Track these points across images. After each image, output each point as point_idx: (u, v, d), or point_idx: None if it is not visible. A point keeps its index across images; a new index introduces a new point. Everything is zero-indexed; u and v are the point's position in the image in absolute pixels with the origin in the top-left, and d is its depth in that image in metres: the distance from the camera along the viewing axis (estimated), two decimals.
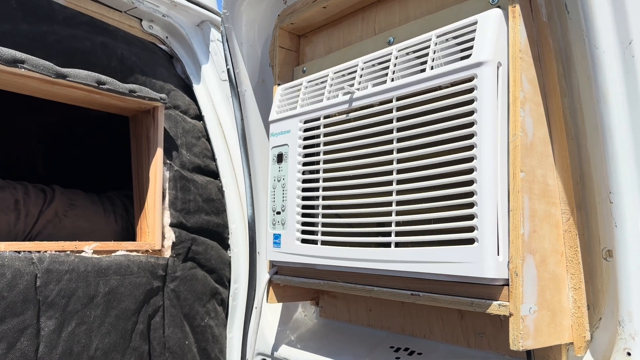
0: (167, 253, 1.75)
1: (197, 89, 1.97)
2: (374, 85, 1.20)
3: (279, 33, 1.53)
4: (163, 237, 1.76)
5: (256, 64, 1.59)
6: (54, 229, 1.70)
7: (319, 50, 1.53)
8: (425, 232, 1.07)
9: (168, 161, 1.79)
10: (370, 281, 1.20)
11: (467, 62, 1.01)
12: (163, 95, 1.74)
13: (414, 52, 1.14)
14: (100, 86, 1.57)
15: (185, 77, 1.98)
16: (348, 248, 1.21)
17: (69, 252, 1.49)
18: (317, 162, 1.32)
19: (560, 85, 1.02)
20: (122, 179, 2.22)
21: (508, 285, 0.96)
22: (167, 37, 1.96)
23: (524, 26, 0.98)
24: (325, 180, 1.30)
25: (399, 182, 1.12)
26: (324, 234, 1.29)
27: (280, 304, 1.64)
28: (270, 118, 1.46)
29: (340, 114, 1.27)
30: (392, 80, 1.16)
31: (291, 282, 1.41)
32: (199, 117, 1.97)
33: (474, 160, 0.98)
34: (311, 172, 1.35)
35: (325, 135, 1.31)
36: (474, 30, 1.02)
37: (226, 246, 1.94)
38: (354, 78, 1.26)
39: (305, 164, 1.36)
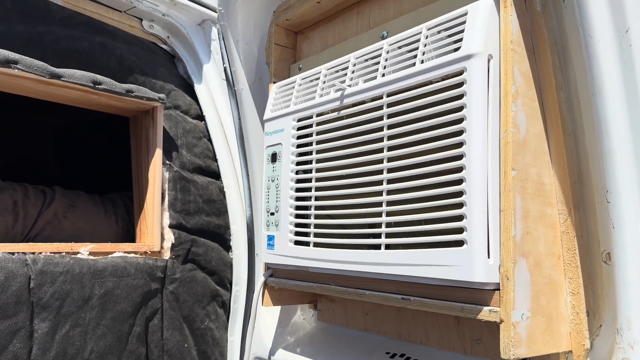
0: (167, 255, 1.73)
1: (199, 89, 1.94)
2: (365, 81, 1.16)
3: (275, 30, 1.49)
4: (162, 239, 1.74)
5: (253, 62, 1.56)
6: (53, 230, 1.69)
7: (315, 46, 1.49)
8: (415, 234, 1.02)
9: (168, 162, 1.77)
10: (362, 284, 1.16)
11: (456, 55, 0.96)
12: (162, 95, 1.72)
13: (405, 45, 1.09)
14: (97, 86, 1.55)
15: (187, 76, 1.96)
16: (340, 250, 1.17)
17: (64, 253, 1.48)
18: (310, 162, 1.29)
19: (556, 78, 0.96)
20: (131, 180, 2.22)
21: (499, 290, 0.91)
22: (168, 37, 1.94)
23: (516, 16, 0.93)
24: (317, 180, 1.26)
25: (390, 181, 1.08)
26: (316, 235, 1.25)
27: (279, 306, 1.60)
28: (265, 117, 1.43)
29: (332, 111, 1.24)
30: (383, 75, 1.12)
31: (285, 285, 1.38)
32: (201, 117, 1.94)
33: (463, 158, 0.94)
34: (304, 171, 1.31)
35: (318, 133, 1.27)
36: (464, 22, 0.97)
37: (228, 248, 1.91)
38: (345, 74, 1.22)
39: (298, 164, 1.32)
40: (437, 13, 1.09)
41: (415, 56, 1.06)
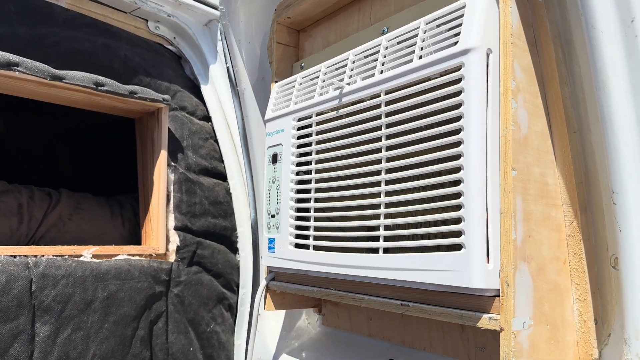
0: (172, 257, 1.71)
1: (205, 90, 1.93)
2: (364, 78, 1.12)
3: (277, 28, 1.46)
4: (167, 241, 1.72)
5: (255, 61, 1.53)
6: (58, 233, 1.69)
7: (317, 44, 1.46)
8: (412, 237, 0.98)
9: (173, 163, 1.76)
10: (362, 289, 1.12)
11: (453, 50, 0.91)
12: (166, 97, 1.70)
13: (403, 41, 1.05)
14: (99, 88, 1.54)
15: (194, 77, 1.95)
16: (339, 254, 1.14)
17: (66, 256, 1.47)
18: (310, 162, 1.25)
19: (559, 72, 0.91)
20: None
21: (499, 296, 0.86)
22: (174, 38, 1.93)
23: (516, 7, 0.88)
24: (317, 181, 1.23)
25: (388, 182, 1.04)
26: (316, 238, 1.22)
27: (283, 310, 1.57)
28: (266, 117, 1.40)
29: (331, 110, 1.20)
30: (381, 72, 1.08)
31: (287, 289, 1.34)
32: (207, 118, 1.92)
33: (461, 158, 0.89)
34: (304, 172, 1.27)
35: (317, 133, 1.23)
36: (462, 15, 0.93)
37: (235, 250, 1.89)
38: (344, 72, 1.18)
39: (298, 164, 1.29)
40: (438, 6, 1.04)
41: (413, 52, 1.02)
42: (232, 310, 1.87)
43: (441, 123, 0.94)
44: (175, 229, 1.73)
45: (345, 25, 1.36)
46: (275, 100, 1.39)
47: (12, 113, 2.31)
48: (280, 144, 1.34)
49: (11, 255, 1.37)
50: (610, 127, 0.80)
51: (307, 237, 1.24)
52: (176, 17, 1.87)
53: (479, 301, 0.88)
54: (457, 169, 0.89)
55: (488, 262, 0.86)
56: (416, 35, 1.02)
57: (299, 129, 1.29)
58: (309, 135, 1.26)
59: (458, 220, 0.89)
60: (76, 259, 1.48)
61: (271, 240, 1.35)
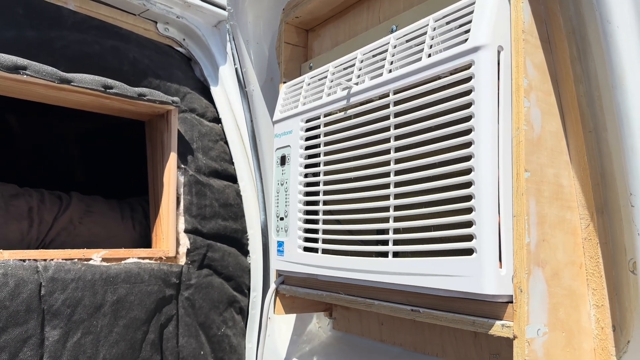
0: (182, 260, 1.70)
1: (215, 91, 1.91)
2: (372, 78, 1.09)
3: (285, 28, 1.44)
4: (178, 244, 1.71)
5: (264, 62, 1.52)
6: (69, 236, 1.69)
7: (326, 44, 1.43)
8: (421, 241, 0.95)
9: (183, 166, 1.75)
10: (371, 294, 1.10)
11: (463, 48, 0.88)
12: (175, 99, 1.69)
13: (412, 39, 1.02)
14: (107, 90, 1.53)
15: (203, 79, 1.93)
16: (348, 257, 1.11)
17: (76, 260, 1.46)
18: (318, 164, 1.23)
19: (574, 70, 0.87)
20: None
21: (512, 302, 0.83)
22: (184, 39, 1.91)
23: (527, 3, 0.85)
24: (325, 183, 1.20)
25: (397, 184, 1.01)
26: (324, 241, 1.19)
27: (294, 314, 1.55)
28: (274, 118, 1.38)
29: (339, 111, 1.17)
30: (390, 71, 1.05)
31: (296, 293, 1.32)
32: (217, 119, 1.91)
33: (472, 159, 0.86)
34: (313, 174, 1.25)
35: (326, 134, 1.21)
36: (472, 12, 0.90)
37: (245, 252, 1.87)
38: (353, 72, 1.16)
39: (306, 166, 1.27)
40: (447, 3, 1.01)
41: (422, 50, 0.99)
42: (243, 313, 1.86)
43: (451, 123, 0.91)
44: (186, 231, 1.72)
45: (354, 24, 1.34)
46: (283, 101, 1.37)
47: (18, 115, 2.32)
48: (289, 146, 1.32)
49: (20, 260, 1.37)
50: (627, 126, 0.76)
51: (316, 241, 1.22)
52: (185, 18, 1.85)
53: (491, 307, 0.85)
54: (468, 171, 0.87)
55: (500, 267, 0.83)
56: (425, 33, 0.99)
57: (307, 130, 1.27)
58: (317, 136, 1.24)
59: (469, 224, 0.86)
60: (85, 262, 1.48)
61: (280, 244, 1.33)
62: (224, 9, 1.87)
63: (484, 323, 0.86)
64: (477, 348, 1.12)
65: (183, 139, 1.76)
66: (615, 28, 0.74)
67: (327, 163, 1.20)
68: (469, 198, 0.86)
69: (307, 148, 1.27)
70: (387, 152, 1.04)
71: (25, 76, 1.38)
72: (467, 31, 0.89)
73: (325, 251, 1.19)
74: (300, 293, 1.30)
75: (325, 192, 1.20)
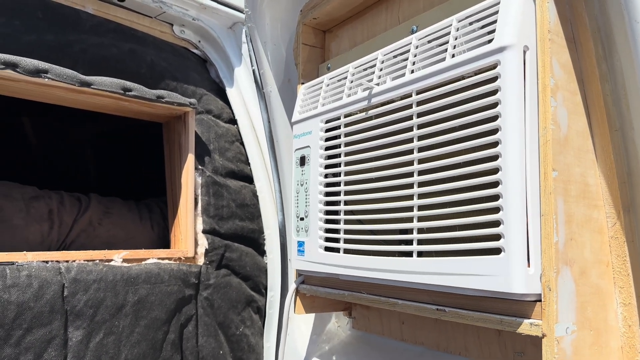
0: (200, 260, 1.72)
1: (231, 92, 1.92)
2: (393, 78, 1.10)
3: (302, 29, 1.45)
4: (196, 244, 1.72)
5: (281, 63, 1.52)
6: (88, 238, 1.70)
7: (344, 45, 1.44)
8: (448, 241, 0.96)
9: (200, 167, 1.76)
10: (395, 293, 1.10)
11: (488, 48, 0.89)
12: (193, 100, 1.71)
13: (434, 39, 1.03)
14: (127, 93, 1.55)
15: (219, 80, 1.94)
16: (371, 257, 1.12)
17: (97, 261, 1.48)
18: (339, 165, 1.24)
19: (599, 69, 0.88)
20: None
21: (541, 301, 0.83)
22: (199, 41, 1.93)
23: (553, 3, 0.85)
24: (346, 183, 1.21)
25: (421, 184, 1.02)
26: (346, 241, 1.20)
27: (313, 314, 1.56)
28: (293, 119, 1.38)
29: (360, 111, 1.18)
30: (412, 72, 1.05)
31: (317, 293, 1.33)
32: (233, 120, 1.92)
33: (499, 159, 0.86)
34: (333, 175, 1.26)
35: (346, 135, 1.22)
36: (497, 12, 0.90)
37: (262, 252, 1.88)
38: (373, 72, 1.17)
39: (327, 167, 1.27)
40: (469, 4, 1.02)
41: (445, 50, 1.00)
42: (261, 312, 1.87)
43: (476, 123, 0.91)
44: (204, 232, 1.73)
45: (373, 25, 1.34)
46: (302, 102, 1.38)
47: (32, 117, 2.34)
48: (308, 146, 1.33)
49: (43, 261, 1.38)
50: None
51: (337, 240, 1.23)
52: (201, 20, 1.87)
53: (519, 306, 0.86)
54: (495, 170, 0.87)
55: (529, 266, 0.84)
56: (448, 34, 0.99)
57: (327, 130, 1.28)
58: (337, 137, 1.25)
59: (497, 223, 0.86)
60: (107, 263, 1.49)
61: (300, 244, 1.34)
62: (239, 10, 1.88)
63: (512, 322, 0.86)
64: (501, 346, 1.12)
65: (200, 140, 1.78)
66: None
67: (348, 163, 1.21)
68: (496, 198, 0.87)
69: (327, 148, 1.27)
70: (410, 152, 1.04)
71: (46, 79, 1.39)
72: (492, 31, 0.90)
73: (347, 251, 1.19)
74: (321, 293, 1.31)
75: (347, 192, 1.21)
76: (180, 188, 1.74)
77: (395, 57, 1.12)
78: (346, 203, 1.20)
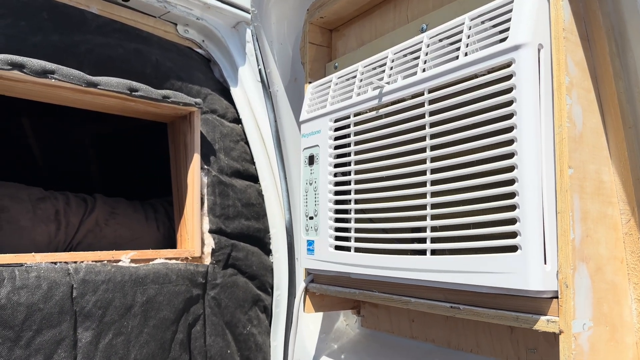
0: (207, 260, 1.72)
1: (235, 92, 1.92)
2: (405, 77, 1.10)
3: (309, 28, 1.45)
4: (203, 244, 1.72)
5: (288, 63, 1.52)
6: (95, 238, 1.70)
7: (351, 44, 1.44)
8: (463, 239, 0.96)
9: (206, 166, 1.76)
10: (407, 291, 1.11)
11: (503, 46, 0.89)
12: (198, 100, 1.70)
13: (446, 38, 1.03)
14: (133, 93, 1.55)
15: (223, 80, 1.94)
16: (383, 256, 1.12)
17: (105, 261, 1.48)
18: (349, 163, 1.24)
19: (613, 67, 0.88)
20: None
21: (557, 298, 0.84)
22: (203, 41, 1.92)
23: (567, 1, 0.86)
24: (357, 182, 1.21)
25: (434, 182, 1.02)
26: (357, 240, 1.20)
27: (321, 312, 1.56)
28: (301, 118, 1.38)
29: (370, 110, 1.18)
30: (424, 70, 1.06)
31: (327, 291, 1.33)
32: (237, 120, 1.92)
33: (515, 157, 0.87)
34: (343, 174, 1.26)
35: (356, 134, 1.22)
36: (511, 10, 0.90)
37: (268, 251, 1.89)
38: (383, 71, 1.17)
39: (336, 166, 1.28)
40: (479, 2, 1.02)
41: (458, 49, 1.00)
42: (267, 312, 1.87)
43: (491, 121, 0.92)
44: (210, 231, 1.73)
45: (381, 24, 1.34)
46: (310, 102, 1.38)
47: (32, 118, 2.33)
48: (317, 145, 1.33)
49: (52, 262, 1.38)
50: None
51: (348, 239, 1.23)
52: (205, 20, 1.86)
53: (536, 303, 0.86)
54: (511, 168, 0.87)
55: (545, 264, 0.84)
56: (461, 32, 1.00)
57: (337, 129, 1.28)
58: (347, 136, 1.25)
59: (513, 221, 0.87)
60: (115, 264, 1.49)
61: (310, 243, 1.34)
62: (243, 10, 1.88)
63: (528, 319, 0.87)
64: (514, 343, 1.13)
65: (205, 140, 1.78)
66: None
67: (358, 162, 1.21)
68: (512, 195, 0.87)
69: (337, 147, 1.28)
70: (423, 150, 1.05)
71: (53, 80, 1.39)
72: (506, 30, 0.90)
73: (358, 249, 1.20)
74: (331, 291, 1.31)
75: (357, 191, 1.21)
76: (186, 188, 1.74)
77: (406, 55, 1.12)
78: (357, 202, 1.21)
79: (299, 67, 1.53)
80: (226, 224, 1.77)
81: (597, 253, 0.86)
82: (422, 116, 1.05)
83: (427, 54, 1.06)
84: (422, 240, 1.04)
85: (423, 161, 1.05)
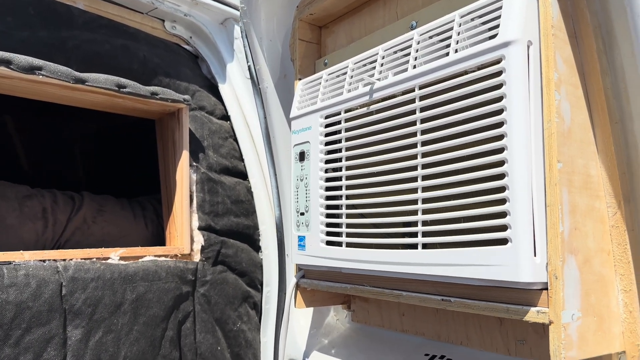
0: (197, 257, 1.72)
1: (223, 89, 1.92)
2: (395, 74, 1.11)
3: (299, 25, 1.46)
4: (192, 241, 1.72)
5: (277, 59, 1.53)
6: (83, 236, 1.69)
7: (340, 40, 1.45)
8: (454, 232, 0.98)
9: (195, 163, 1.76)
10: (399, 285, 1.12)
11: (493, 43, 0.91)
12: (187, 97, 1.70)
13: (436, 35, 1.05)
14: (121, 90, 1.54)
15: (211, 77, 1.94)
16: (374, 250, 1.13)
17: (94, 259, 1.47)
18: (339, 159, 1.25)
19: (600, 63, 0.90)
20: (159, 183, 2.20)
21: (547, 289, 0.86)
22: (191, 37, 1.92)
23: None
24: (348, 178, 1.22)
25: (425, 177, 1.04)
26: (348, 235, 1.21)
27: (312, 307, 1.57)
28: (291, 115, 1.39)
29: (361, 106, 1.19)
30: (414, 67, 1.07)
31: (318, 287, 1.34)
32: (226, 117, 1.92)
33: (505, 152, 0.89)
34: (334, 170, 1.27)
35: (347, 130, 1.23)
36: (500, 7, 0.92)
37: (257, 248, 1.89)
38: (374, 68, 1.18)
39: (327, 162, 1.29)
40: (469, 0, 1.04)
41: (448, 46, 1.01)
42: (257, 308, 1.88)
43: (481, 117, 0.93)
44: (199, 228, 1.73)
45: (370, 21, 1.35)
46: (300, 98, 1.38)
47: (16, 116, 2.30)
48: (308, 142, 1.34)
49: (40, 260, 1.37)
50: None
51: (339, 234, 1.24)
52: (193, 16, 1.86)
53: (526, 295, 0.88)
54: (501, 163, 0.89)
55: (535, 256, 0.86)
56: (451, 29, 1.01)
57: (327, 126, 1.29)
58: (337, 132, 1.26)
59: (503, 215, 0.88)
60: (104, 261, 1.48)
61: (301, 238, 1.35)
62: (230, 6, 1.88)
63: (519, 310, 0.88)
64: (503, 335, 1.15)
65: (194, 137, 1.77)
66: None
67: (349, 158, 1.22)
68: (502, 189, 0.89)
69: (328, 144, 1.29)
70: (414, 146, 1.06)
71: (40, 76, 1.38)
72: (496, 27, 0.92)
73: (349, 244, 1.21)
74: (322, 286, 1.32)
75: (348, 187, 1.22)
76: (175, 185, 1.73)
77: (396, 52, 1.14)
78: (348, 197, 1.22)
79: (289, 64, 1.53)
80: (215, 221, 1.77)
81: (585, 245, 0.88)
82: (412, 112, 1.06)
83: (417, 51, 1.08)
84: (414, 235, 1.05)
85: (414, 157, 1.06)
